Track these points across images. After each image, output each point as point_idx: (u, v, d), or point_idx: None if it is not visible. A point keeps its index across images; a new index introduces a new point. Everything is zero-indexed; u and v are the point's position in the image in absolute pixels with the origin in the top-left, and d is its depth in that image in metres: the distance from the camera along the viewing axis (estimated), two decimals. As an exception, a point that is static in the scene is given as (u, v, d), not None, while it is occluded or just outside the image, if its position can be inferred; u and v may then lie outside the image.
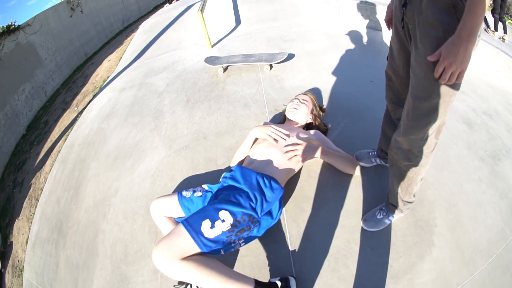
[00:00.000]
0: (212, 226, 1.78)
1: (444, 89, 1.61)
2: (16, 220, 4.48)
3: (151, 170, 3.30)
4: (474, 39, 1.33)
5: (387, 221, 2.32)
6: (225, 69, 4.73)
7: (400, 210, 2.24)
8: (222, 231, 1.79)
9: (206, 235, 1.74)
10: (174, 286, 2.17)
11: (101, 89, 6.24)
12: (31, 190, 4.73)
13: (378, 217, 2.33)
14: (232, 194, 2.00)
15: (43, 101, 9.09)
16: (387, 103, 2.30)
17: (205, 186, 2.32)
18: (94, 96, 6.09)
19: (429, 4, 1.50)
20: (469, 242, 2.33)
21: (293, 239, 2.37)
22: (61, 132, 5.66)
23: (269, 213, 2.10)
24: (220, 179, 2.31)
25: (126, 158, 3.64)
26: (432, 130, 1.81)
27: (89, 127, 4.78)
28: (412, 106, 1.76)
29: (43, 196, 4.13)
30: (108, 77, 6.86)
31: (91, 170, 3.80)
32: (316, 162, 2.82)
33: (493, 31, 7.97)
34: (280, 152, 2.39)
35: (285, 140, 2.51)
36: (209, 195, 2.23)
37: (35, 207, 4.16)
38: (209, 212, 1.85)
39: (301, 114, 2.84)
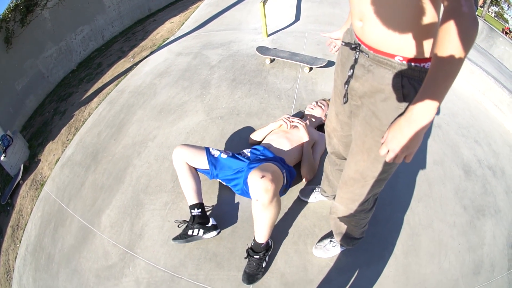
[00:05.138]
0: None
1: (382, 169, 1.57)
2: (50, 142, 4.87)
3: (188, 128, 3.75)
4: (429, 121, 1.06)
5: (337, 250, 2.44)
6: (272, 61, 4.99)
7: (348, 245, 2.32)
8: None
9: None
10: (175, 221, 2.67)
11: (160, 47, 6.54)
12: (72, 120, 5.11)
13: (328, 247, 2.44)
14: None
15: (99, 44, 9.17)
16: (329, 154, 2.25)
17: (229, 152, 2.77)
18: (151, 53, 6.40)
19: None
20: (417, 273, 2.42)
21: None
22: (114, 77, 5.97)
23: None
24: (248, 153, 2.78)
25: (170, 113, 4.07)
26: (369, 202, 1.87)
27: (142, 79, 5.20)
28: (348, 182, 1.77)
29: (85, 127, 4.55)
30: (168, 38, 7.11)
31: (136, 116, 4.23)
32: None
33: None
34: (289, 143, 2.83)
35: (292, 124, 2.97)
36: (233, 159, 2.68)
37: (74, 135, 4.56)
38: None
39: (315, 113, 3.25)
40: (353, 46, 1.43)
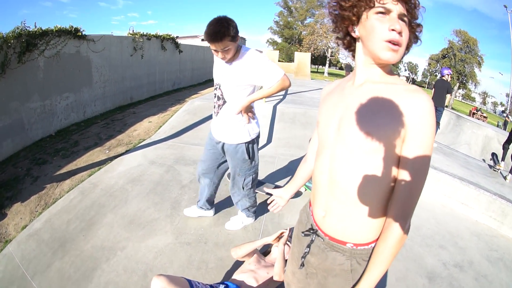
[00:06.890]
0: None
1: None
2: (19, 203, 4.88)
3: (157, 248, 3.81)
4: None
5: None
6: (241, 188, 5.19)
7: None
8: None
9: None
10: None
11: (135, 148, 6.88)
12: (43, 192, 5.18)
13: None
14: None
15: (80, 119, 9.44)
16: None
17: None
18: (127, 151, 6.71)
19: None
20: None
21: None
22: (88, 164, 6.15)
23: None
24: None
25: (140, 228, 4.18)
26: None
27: (115, 179, 5.42)
28: None
29: (55, 207, 4.62)
30: (144, 139, 7.50)
31: (107, 219, 4.34)
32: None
33: (499, 164, 7.16)
34: (257, 282, 3.04)
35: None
36: None
37: (43, 209, 4.64)
38: None
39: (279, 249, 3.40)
40: (311, 232, 1.68)
